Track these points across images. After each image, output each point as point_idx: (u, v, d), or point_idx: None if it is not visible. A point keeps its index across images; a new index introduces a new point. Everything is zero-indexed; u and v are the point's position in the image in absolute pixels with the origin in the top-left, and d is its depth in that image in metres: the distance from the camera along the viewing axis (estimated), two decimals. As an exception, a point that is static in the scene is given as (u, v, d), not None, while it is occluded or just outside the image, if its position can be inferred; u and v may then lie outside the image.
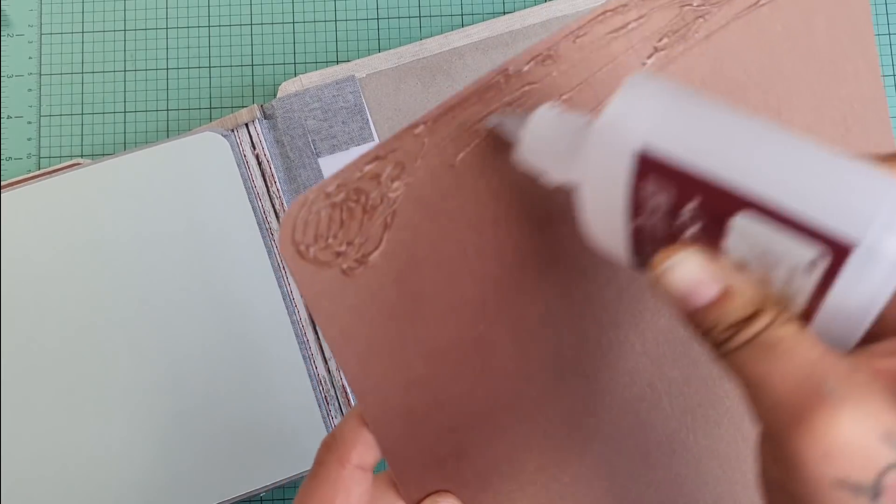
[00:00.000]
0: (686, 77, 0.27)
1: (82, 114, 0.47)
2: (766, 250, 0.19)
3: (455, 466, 0.27)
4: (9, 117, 0.47)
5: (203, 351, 0.42)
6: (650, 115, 0.20)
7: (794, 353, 0.18)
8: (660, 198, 0.20)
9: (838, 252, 0.18)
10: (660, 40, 0.27)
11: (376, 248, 0.25)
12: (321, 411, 0.42)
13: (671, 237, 0.21)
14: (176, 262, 0.42)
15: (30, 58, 0.48)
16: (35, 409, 0.41)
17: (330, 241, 0.24)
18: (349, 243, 0.25)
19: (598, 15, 0.26)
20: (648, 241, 0.22)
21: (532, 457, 0.28)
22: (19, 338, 0.41)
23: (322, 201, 0.24)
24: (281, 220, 0.24)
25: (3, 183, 0.43)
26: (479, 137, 0.26)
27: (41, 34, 0.48)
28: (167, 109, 0.47)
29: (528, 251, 0.27)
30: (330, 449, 0.26)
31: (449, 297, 0.26)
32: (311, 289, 0.24)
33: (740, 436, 0.31)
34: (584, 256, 0.27)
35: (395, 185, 0.25)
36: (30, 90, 0.47)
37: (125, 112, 0.47)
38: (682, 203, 0.20)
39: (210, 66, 0.48)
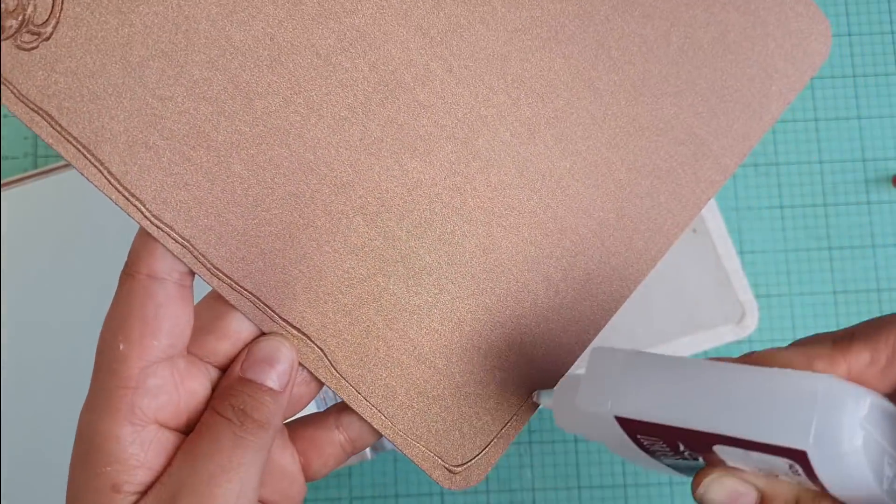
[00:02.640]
0: None
1: (80, 112, 0.47)
2: (755, 464, 0.22)
3: (287, 263, 0.26)
4: (6, 116, 0.47)
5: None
6: (610, 392, 0.24)
7: None
8: (657, 443, 0.24)
9: (800, 458, 0.20)
10: None
11: (51, 15, 0.23)
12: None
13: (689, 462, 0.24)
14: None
15: (27, 56, 0.47)
16: (34, 409, 0.41)
17: None
18: (10, 13, 0.23)
19: None
20: (683, 466, 0.25)
21: (376, 232, 0.27)
22: (19, 337, 0.41)
23: None
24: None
25: (2, 181, 0.43)
26: None
27: (39, 32, 0.48)
28: (166, 108, 0.47)
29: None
30: (122, 271, 0.25)
31: (174, 65, 0.24)
32: None
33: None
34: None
35: None
36: (27, 89, 0.47)
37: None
38: (675, 443, 0.23)
39: (209, 65, 0.48)
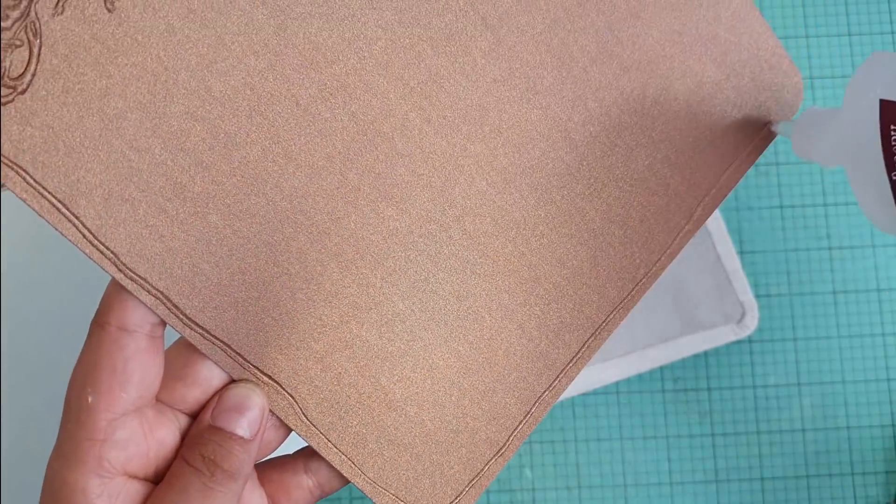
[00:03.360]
0: None
1: (80, 113, 0.47)
2: None
3: (259, 309, 0.26)
4: (6, 116, 0.47)
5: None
6: (881, 76, 0.26)
7: None
8: None
9: None
10: None
11: (27, 68, 0.22)
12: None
13: None
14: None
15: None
16: (34, 409, 0.41)
17: None
18: None
19: None
20: None
21: (350, 279, 0.27)
22: (19, 337, 0.41)
23: None
24: None
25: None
26: None
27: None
28: (166, 108, 0.47)
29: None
30: (93, 320, 0.24)
31: (151, 117, 0.24)
32: None
33: None
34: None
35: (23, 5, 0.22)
36: (27, 89, 0.47)
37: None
38: None
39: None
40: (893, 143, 0.25)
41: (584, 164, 0.28)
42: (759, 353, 0.46)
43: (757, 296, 0.46)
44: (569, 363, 0.29)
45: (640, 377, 0.45)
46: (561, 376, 0.29)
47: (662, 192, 0.29)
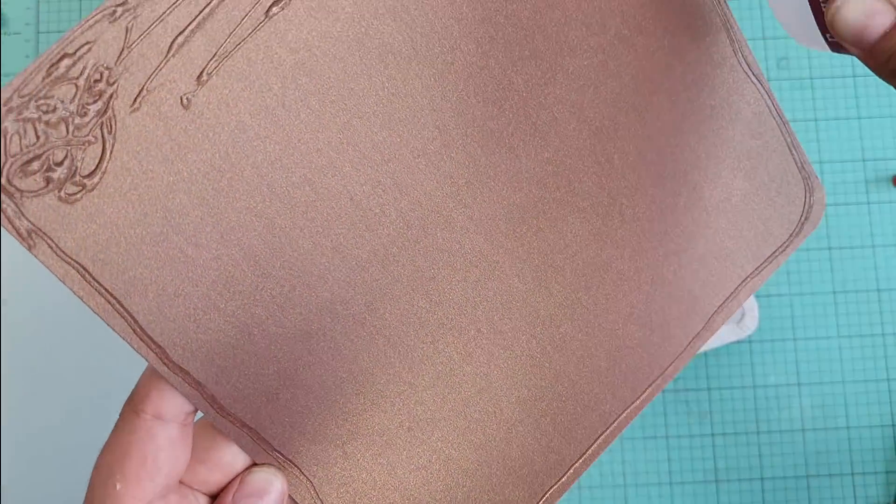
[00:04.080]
0: None
1: (80, 113, 0.47)
2: None
3: (290, 397, 0.26)
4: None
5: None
6: None
7: None
8: None
9: None
10: None
11: (98, 165, 0.22)
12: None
13: None
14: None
15: (27, 56, 0.47)
16: (34, 409, 0.41)
17: (32, 164, 0.22)
18: (58, 164, 0.22)
19: None
20: (824, 3, 0.24)
21: (379, 368, 0.27)
22: (19, 337, 0.41)
23: (4, 118, 0.21)
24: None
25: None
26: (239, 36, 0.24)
27: (38, 32, 0.48)
28: (165, 108, 0.47)
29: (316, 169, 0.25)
30: (127, 402, 0.25)
31: (212, 213, 0.24)
32: (18, 226, 0.22)
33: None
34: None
35: (99, 88, 0.22)
36: (27, 89, 0.47)
37: (123, 111, 0.47)
38: None
39: (208, 65, 0.48)
40: None
41: (613, 266, 0.29)
42: (759, 353, 0.46)
43: (757, 296, 0.46)
44: (578, 459, 0.30)
45: (639, 377, 0.46)
46: (569, 472, 0.30)
47: (684, 298, 0.30)
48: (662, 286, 0.30)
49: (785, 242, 0.31)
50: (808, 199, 0.31)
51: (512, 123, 0.27)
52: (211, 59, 0.23)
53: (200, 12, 0.23)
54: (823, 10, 0.23)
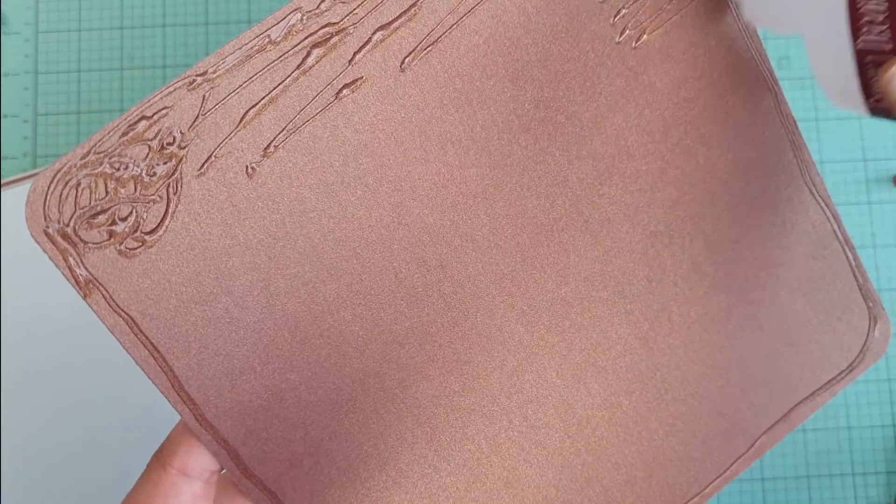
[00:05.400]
0: None
1: (79, 112, 0.47)
2: None
3: (314, 465, 0.26)
4: (5, 116, 0.47)
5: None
6: None
7: None
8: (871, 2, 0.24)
9: None
10: None
11: (160, 223, 0.24)
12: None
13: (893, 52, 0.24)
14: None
15: (26, 56, 0.47)
16: (34, 409, 0.41)
17: (98, 217, 0.23)
18: (122, 219, 0.23)
19: None
20: (871, 66, 0.25)
21: (404, 447, 0.27)
22: (19, 337, 0.41)
23: (79, 171, 0.22)
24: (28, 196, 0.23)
25: (2, 182, 0.43)
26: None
27: (38, 32, 0.48)
28: (165, 108, 0.47)
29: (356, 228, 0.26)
30: (155, 455, 0.25)
31: (262, 277, 0.25)
32: (77, 274, 0.23)
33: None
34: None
35: (170, 151, 0.23)
36: (26, 89, 0.47)
37: (122, 111, 0.47)
38: None
39: (208, 65, 0.48)
40: (860, 7, 0.24)
41: (658, 373, 0.29)
42: (760, 353, 0.46)
43: (757, 296, 0.46)
44: None
45: (639, 377, 0.45)
46: None
47: (730, 415, 0.29)
48: (708, 401, 0.29)
49: (843, 371, 0.30)
50: (871, 330, 0.30)
51: (563, 219, 0.27)
52: (279, 133, 0.24)
53: (275, 88, 0.24)
54: (873, 75, 0.24)
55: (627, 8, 0.26)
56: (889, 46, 0.24)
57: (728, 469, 0.30)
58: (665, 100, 0.27)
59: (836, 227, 0.30)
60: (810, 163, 0.29)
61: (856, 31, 0.25)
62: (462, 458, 0.28)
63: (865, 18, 0.24)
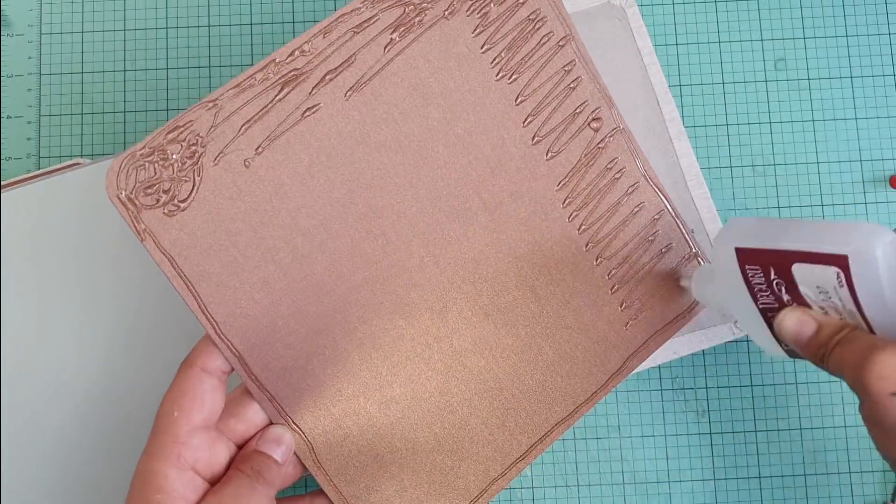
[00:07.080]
0: (416, 61, 0.37)
1: (82, 114, 0.47)
2: (817, 283, 0.31)
3: (300, 376, 0.37)
4: (8, 117, 0.47)
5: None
6: (734, 235, 0.34)
7: (859, 339, 0.31)
8: (757, 273, 0.33)
9: (843, 264, 0.30)
10: (392, 32, 0.37)
11: (189, 195, 0.35)
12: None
13: (780, 307, 0.34)
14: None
15: (29, 57, 0.48)
16: (34, 409, 0.41)
17: (149, 189, 0.34)
18: (165, 191, 0.34)
19: (338, 17, 0.36)
20: (769, 318, 0.35)
21: (364, 365, 0.37)
22: (19, 338, 0.41)
23: (139, 158, 0.34)
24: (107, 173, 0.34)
25: (2, 183, 0.43)
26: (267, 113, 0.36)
27: (41, 34, 0.48)
28: (167, 109, 0.47)
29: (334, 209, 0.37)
30: (185, 360, 0.35)
31: (257, 236, 0.36)
32: (136, 225, 0.34)
33: None
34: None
35: (194, 149, 0.35)
36: (29, 90, 0.47)
37: (125, 112, 0.47)
38: (767, 268, 0.33)
39: (210, 66, 0.48)
40: (750, 279, 0.34)
41: (544, 313, 0.40)
42: (757, 352, 0.46)
43: (755, 295, 0.46)
44: (519, 458, 0.40)
45: (638, 376, 0.46)
46: (512, 468, 0.40)
47: (602, 341, 0.40)
48: (584, 332, 0.40)
49: (689, 308, 0.42)
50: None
51: (469, 202, 0.38)
52: (265, 139, 0.35)
53: (261, 110, 0.35)
54: (775, 324, 0.34)
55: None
56: (776, 305, 0.34)
57: (606, 384, 0.41)
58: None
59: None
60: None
61: (754, 296, 0.34)
62: (407, 374, 0.38)
63: (756, 289, 0.34)
